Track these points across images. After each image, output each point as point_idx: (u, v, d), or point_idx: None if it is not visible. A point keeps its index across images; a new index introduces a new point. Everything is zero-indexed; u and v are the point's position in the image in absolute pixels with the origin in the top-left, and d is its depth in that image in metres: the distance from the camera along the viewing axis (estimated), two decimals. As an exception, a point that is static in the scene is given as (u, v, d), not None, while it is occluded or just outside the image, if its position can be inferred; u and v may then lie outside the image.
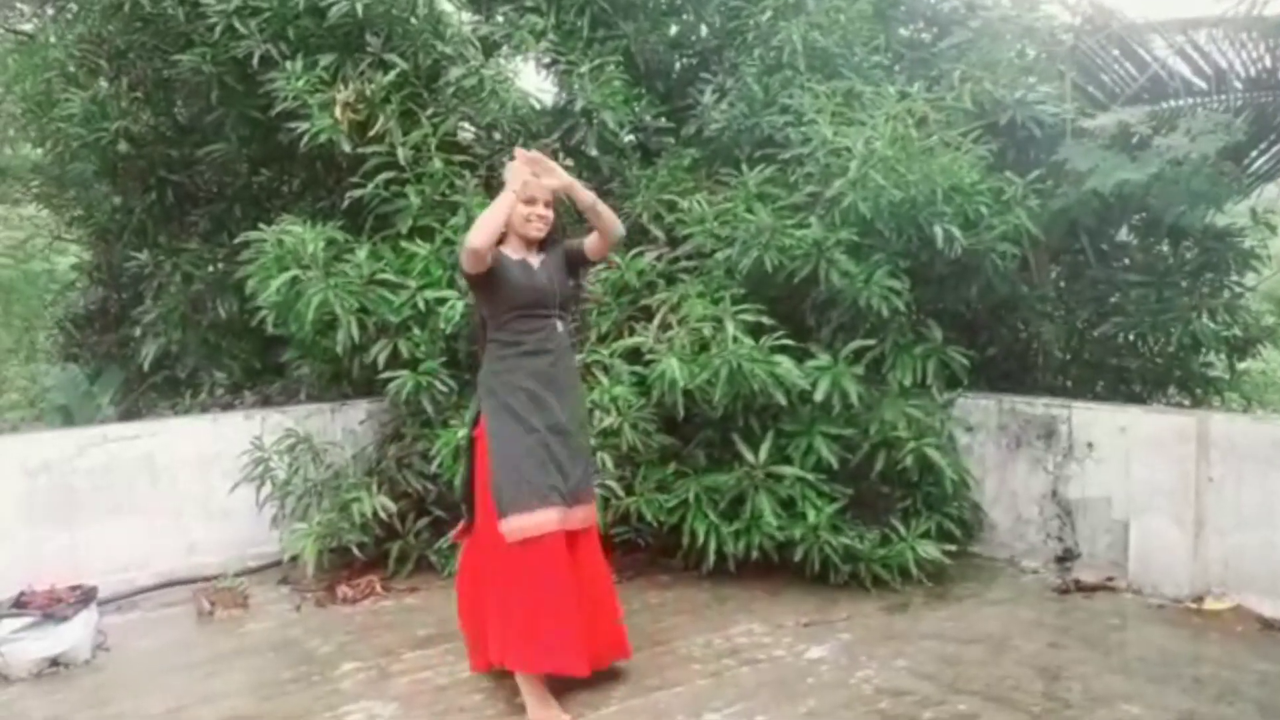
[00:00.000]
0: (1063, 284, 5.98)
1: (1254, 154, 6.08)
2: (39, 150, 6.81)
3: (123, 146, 5.73)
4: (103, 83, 5.82)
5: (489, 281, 3.32)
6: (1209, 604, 4.25)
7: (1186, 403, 5.71)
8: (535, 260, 3.45)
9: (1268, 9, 5.55)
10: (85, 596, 4.09)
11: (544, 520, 3.30)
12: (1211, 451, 4.28)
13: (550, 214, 3.45)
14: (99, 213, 6.85)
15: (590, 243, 3.56)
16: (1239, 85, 5.95)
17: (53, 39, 6.02)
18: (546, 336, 3.40)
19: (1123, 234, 5.95)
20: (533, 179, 3.38)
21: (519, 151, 3.43)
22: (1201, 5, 5.71)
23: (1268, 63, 5.82)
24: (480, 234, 3.21)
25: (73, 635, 3.93)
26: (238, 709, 3.53)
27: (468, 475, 3.53)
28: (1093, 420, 4.72)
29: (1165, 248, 5.78)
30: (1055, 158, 5.22)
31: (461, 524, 3.66)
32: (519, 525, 3.29)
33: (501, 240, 3.37)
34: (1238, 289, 5.60)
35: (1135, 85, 5.97)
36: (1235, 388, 5.88)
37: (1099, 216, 5.42)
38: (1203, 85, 5.97)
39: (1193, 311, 5.29)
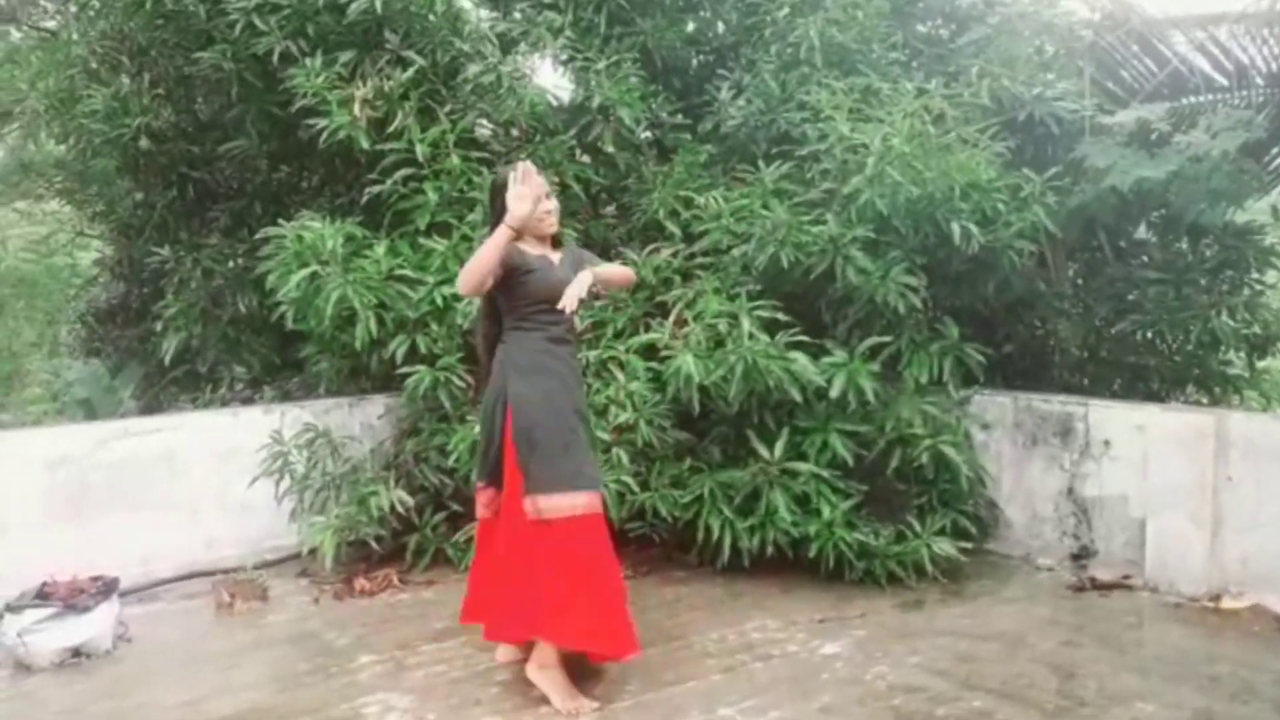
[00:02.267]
0: (1080, 281, 5.95)
1: (1275, 151, 6.02)
2: (61, 146, 6.86)
3: (144, 143, 5.79)
4: (124, 79, 5.86)
5: (514, 277, 3.36)
6: (1226, 603, 4.23)
7: (1205, 401, 5.68)
8: (554, 256, 3.51)
9: (1290, 5, 5.50)
10: (107, 588, 4.13)
11: (582, 502, 3.34)
12: (1230, 450, 4.26)
13: (556, 204, 3.50)
14: (120, 208, 6.91)
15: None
16: (1260, 81, 5.89)
17: (75, 36, 6.08)
18: (568, 329, 3.50)
19: (1141, 231, 5.92)
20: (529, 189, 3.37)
21: (524, 170, 3.38)
22: (1223, 1, 5.67)
23: (1290, 59, 5.78)
24: (467, 282, 3.28)
25: (94, 626, 3.98)
26: (256, 700, 3.57)
27: (499, 453, 3.45)
28: (1110, 418, 4.70)
29: (1184, 245, 5.73)
30: (1073, 155, 5.19)
31: (488, 490, 3.56)
32: (557, 504, 3.31)
33: (519, 236, 3.40)
34: (1257, 287, 5.56)
35: (1155, 81, 5.93)
36: (1255, 386, 5.84)
37: (1117, 214, 5.38)
38: (1223, 81, 5.92)
39: (1212, 309, 5.26)
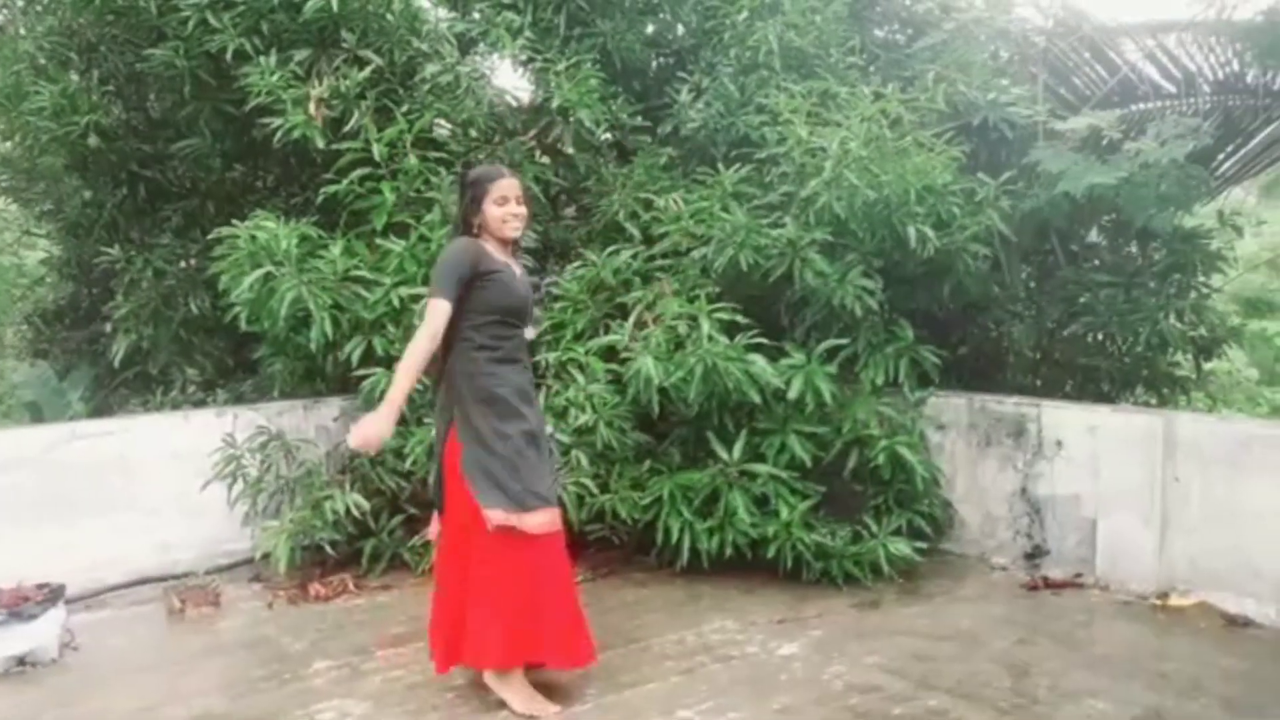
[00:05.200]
0: (1033, 284, 6.04)
1: (1221, 157, 6.16)
2: (8, 144, 6.72)
3: (93, 140, 5.67)
4: (73, 76, 5.75)
5: (481, 283, 3.30)
6: (1174, 600, 4.31)
7: (1154, 402, 5.78)
8: (516, 267, 3.46)
9: (1236, 13, 5.64)
10: (53, 595, 4.04)
11: (532, 522, 3.30)
12: (1177, 451, 4.35)
13: (524, 210, 3.44)
14: (69, 207, 6.77)
15: None
16: (1207, 89, 6.03)
17: (22, 31, 5.95)
18: (517, 345, 3.42)
19: (1093, 235, 6.01)
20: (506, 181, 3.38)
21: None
22: (1171, 9, 5.80)
23: (1235, 66, 5.91)
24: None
25: (40, 634, 3.88)
26: (209, 708, 3.51)
27: (439, 476, 3.47)
28: (1062, 419, 4.77)
29: (1134, 249, 5.84)
30: (1027, 160, 5.27)
31: (435, 519, 3.60)
32: (509, 523, 3.28)
33: (479, 234, 3.37)
34: (1204, 290, 5.66)
35: (1106, 88, 6.04)
36: (1201, 387, 5.96)
37: (1069, 218, 5.46)
38: (1172, 89, 6.05)
39: (1160, 312, 5.35)
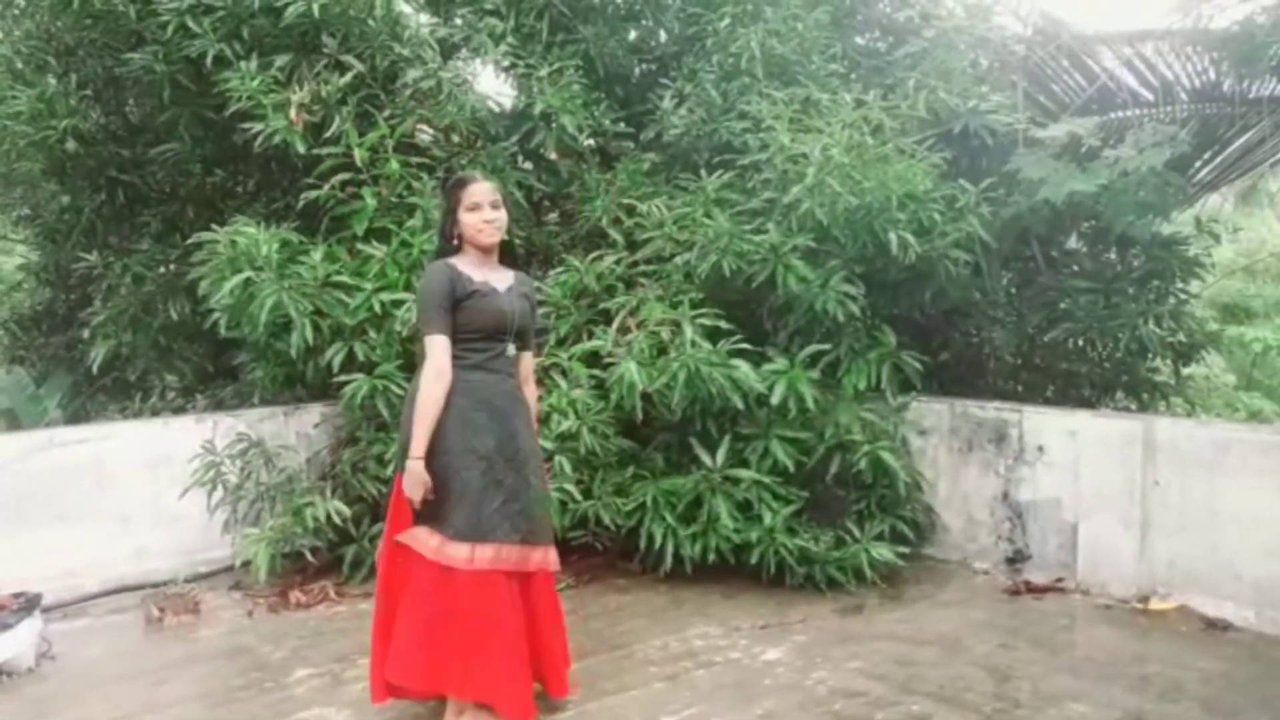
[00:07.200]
0: (1014, 290, 6.08)
1: (1198, 164, 6.23)
2: (-16, 149, 6.66)
3: (71, 145, 5.63)
4: (51, 80, 5.71)
5: (459, 307, 3.19)
6: (1154, 604, 4.34)
7: (1133, 407, 5.83)
8: (502, 282, 3.31)
9: (1212, 23, 5.71)
10: (29, 604, 3.99)
11: (490, 556, 3.14)
12: (1157, 455, 4.38)
13: (501, 214, 3.30)
14: (47, 212, 6.72)
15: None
16: (1184, 97, 6.10)
17: (-1, 35, 5.91)
18: (497, 356, 3.27)
19: (1072, 241, 6.06)
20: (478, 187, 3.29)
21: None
22: (1149, 18, 5.87)
23: (1212, 75, 5.99)
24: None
25: (15, 643, 3.83)
26: (186, 717, 3.48)
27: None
28: (1043, 424, 4.80)
29: (1113, 255, 5.88)
30: (1007, 167, 5.31)
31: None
32: (464, 555, 3.13)
33: (461, 245, 3.30)
34: (1182, 296, 5.71)
35: (1084, 96, 6.10)
36: (1180, 392, 6.00)
37: (1049, 224, 5.51)
38: (1149, 97, 6.11)
39: (1139, 318, 5.39)
